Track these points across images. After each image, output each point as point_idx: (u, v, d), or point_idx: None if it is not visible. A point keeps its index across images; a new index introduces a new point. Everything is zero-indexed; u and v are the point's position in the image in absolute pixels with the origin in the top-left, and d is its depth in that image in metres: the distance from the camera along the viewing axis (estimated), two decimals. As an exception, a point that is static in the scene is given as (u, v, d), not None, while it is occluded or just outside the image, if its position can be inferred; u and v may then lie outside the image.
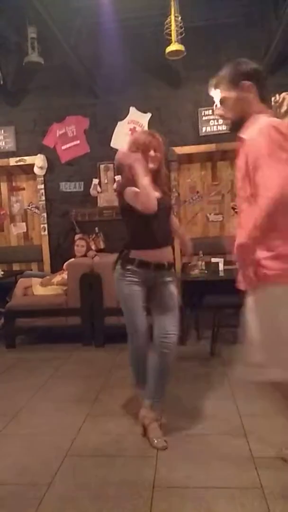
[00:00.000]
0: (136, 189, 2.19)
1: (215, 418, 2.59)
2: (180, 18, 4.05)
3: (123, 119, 5.40)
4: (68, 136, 5.55)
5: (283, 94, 5.35)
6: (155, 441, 2.29)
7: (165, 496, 1.88)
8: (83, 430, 2.54)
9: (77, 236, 5.22)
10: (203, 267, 4.43)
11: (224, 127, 5.20)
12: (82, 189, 5.56)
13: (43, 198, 5.65)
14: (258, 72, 1.78)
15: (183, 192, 5.62)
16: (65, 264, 4.81)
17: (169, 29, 4.08)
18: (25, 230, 6.08)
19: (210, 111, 5.18)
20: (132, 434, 2.44)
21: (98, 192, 5.52)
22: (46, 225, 5.69)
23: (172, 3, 3.98)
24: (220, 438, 2.35)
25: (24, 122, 5.60)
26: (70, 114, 5.51)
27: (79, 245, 4.97)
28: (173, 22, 4.03)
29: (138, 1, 4.42)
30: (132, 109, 5.38)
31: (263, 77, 1.79)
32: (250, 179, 1.64)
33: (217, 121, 5.21)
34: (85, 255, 4.89)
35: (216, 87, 1.82)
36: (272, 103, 5.39)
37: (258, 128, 1.63)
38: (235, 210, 4.88)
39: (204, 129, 5.26)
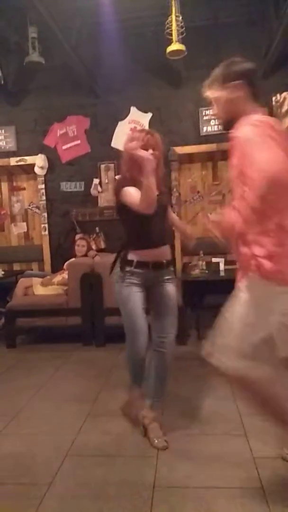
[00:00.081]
0: (134, 191, 2.19)
1: (215, 418, 2.59)
2: (180, 17, 4.05)
3: (123, 119, 5.40)
4: (69, 136, 5.55)
5: (284, 94, 5.39)
6: (156, 441, 2.29)
7: (165, 496, 1.88)
8: (84, 430, 2.54)
9: (77, 236, 5.22)
10: (204, 267, 4.44)
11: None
12: (82, 189, 5.57)
13: (44, 198, 5.65)
14: (250, 71, 1.78)
15: (183, 192, 5.62)
16: (65, 264, 4.81)
17: (169, 29, 4.08)
18: (25, 230, 6.08)
19: (211, 111, 5.16)
20: (132, 434, 2.44)
21: (98, 192, 5.52)
22: (46, 225, 5.69)
23: (173, 2, 3.98)
24: (220, 438, 2.35)
25: (25, 122, 5.60)
26: (71, 114, 5.52)
27: (80, 245, 4.97)
28: (174, 21, 4.03)
29: (138, 1, 4.42)
30: (133, 109, 5.38)
31: (256, 76, 1.79)
32: (244, 175, 1.65)
33: (217, 121, 5.21)
34: (85, 255, 4.90)
35: (209, 87, 1.84)
36: (273, 103, 5.45)
37: (248, 124, 1.64)
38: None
39: (204, 128, 5.26)
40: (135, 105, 5.37)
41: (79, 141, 5.54)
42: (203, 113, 5.24)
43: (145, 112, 5.37)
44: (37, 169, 5.55)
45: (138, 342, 2.32)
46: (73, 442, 2.40)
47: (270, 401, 1.70)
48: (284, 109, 5.15)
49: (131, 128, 5.32)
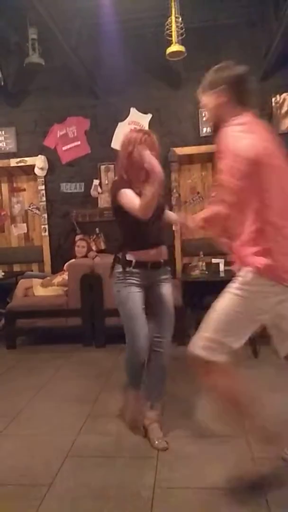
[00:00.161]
0: (132, 194, 2.19)
1: (215, 420, 2.58)
2: (180, 19, 4.05)
3: (123, 120, 5.40)
4: (69, 137, 5.55)
5: (284, 95, 5.40)
6: (156, 442, 2.29)
7: (165, 496, 1.88)
8: (84, 431, 2.54)
9: (77, 237, 5.22)
10: (204, 268, 4.44)
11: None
12: (82, 190, 5.57)
13: (44, 199, 5.65)
14: (237, 77, 1.79)
15: (183, 193, 5.62)
16: (65, 264, 4.81)
17: (169, 30, 4.09)
18: (25, 231, 6.08)
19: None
20: (132, 435, 2.44)
21: (98, 193, 5.52)
22: (46, 226, 5.69)
23: (173, 4, 3.99)
24: (220, 438, 2.34)
25: (25, 123, 5.60)
26: (71, 115, 5.52)
27: (80, 245, 4.98)
28: (174, 23, 4.03)
29: (138, 2, 4.42)
30: (133, 110, 5.39)
31: (244, 81, 1.80)
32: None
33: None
34: (85, 256, 4.90)
35: (201, 93, 1.89)
36: (273, 104, 5.47)
37: (229, 127, 1.71)
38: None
39: (204, 129, 5.25)
40: (135, 106, 5.37)
41: (79, 142, 5.55)
42: (203, 114, 5.23)
43: (145, 113, 5.37)
44: (37, 170, 5.55)
45: (139, 343, 2.32)
46: (73, 443, 2.40)
47: (229, 392, 1.76)
48: (283, 110, 5.16)
49: (131, 129, 5.33)
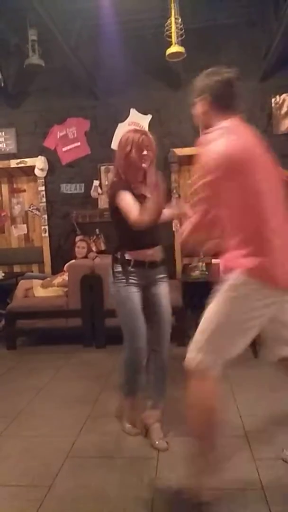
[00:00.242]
0: (131, 199, 2.19)
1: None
2: (180, 19, 4.05)
3: (123, 121, 5.40)
4: (69, 138, 5.56)
5: (283, 96, 5.40)
6: (157, 442, 2.29)
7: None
8: (84, 432, 2.54)
9: (77, 238, 5.23)
10: (204, 269, 4.44)
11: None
12: (82, 190, 5.57)
13: (44, 199, 5.65)
14: (221, 83, 1.78)
15: (183, 194, 5.62)
16: (65, 265, 4.81)
17: (169, 31, 4.09)
18: (25, 232, 6.08)
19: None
20: (132, 436, 2.43)
21: (98, 194, 5.53)
22: (47, 227, 5.69)
23: (172, 4, 3.99)
24: (221, 440, 2.34)
25: (25, 124, 5.61)
26: (71, 116, 5.52)
27: (80, 246, 4.98)
28: (173, 23, 4.03)
29: (138, 3, 4.43)
30: (133, 111, 5.39)
31: (229, 86, 1.79)
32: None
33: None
34: (85, 257, 4.90)
35: (192, 99, 1.90)
36: (273, 104, 5.47)
37: (208, 134, 1.71)
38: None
39: (204, 130, 5.26)
40: (135, 107, 5.37)
41: (79, 143, 5.55)
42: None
43: (145, 114, 5.37)
44: (37, 171, 5.56)
45: (139, 343, 2.32)
46: (73, 443, 2.40)
47: (206, 412, 1.71)
48: (283, 111, 5.16)
49: (128, 129, 5.33)
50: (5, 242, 6.11)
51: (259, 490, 1.88)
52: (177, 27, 4.04)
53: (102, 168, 5.48)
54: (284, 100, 5.13)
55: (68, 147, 5.56)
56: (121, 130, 5.29)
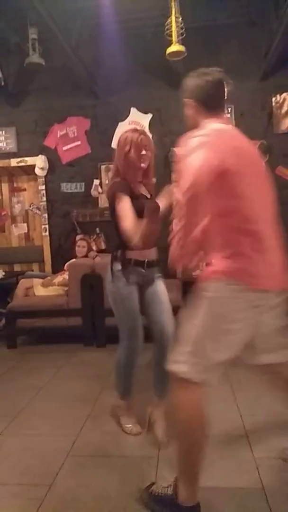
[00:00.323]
0: (130, 209, 2.20)
1: (216, 419, 2.55)
2: (180, 18, 4.05)
3: (124, 120, 5.40)
4: (69, 137, 5.55)
5: (284, 95, 5.40)
6: (160, 438, 2.30)
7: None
8: (84, 431, 2.54)
9: (78, 237, 5.23)
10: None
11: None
12: (83, 189, 5.57)
13: (44, 198, 5.65)
14: (212, 83, 1.78)
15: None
16: (66, 264, 4.81)
17: (169, 30, 4.09)
18: (26, 231, 6.09)
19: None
20: (132, 435, 2.44)
21: (99, 193, 5.53)
22: (47, 226, 5.69)
23: (173, 4, 3.99)
24: (221, 438, 2.34)
25: (25, 123, 5.61)
26: (71, 115, 5.52)
27: (80, 245, 4.98)
28: (174, 23, 4.03)
29: (138, 2, 4.42)
30: (133, 110, 5.38)
31: (214, 87, 1.79)
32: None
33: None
34: (86, 256, 4.90)
35: None
36: (273, 104, 5.47)
37: (190, 138, 1.69)
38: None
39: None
40: (135, 106, 5.37)
41: (79, 142, 5.55)
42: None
43: (145, 113, 5.37)
44: (37, 170, 5.56)
45: (137, 342, 2.36)
46: (74, 442, 2.40)
47: (193, 423, 1.65)
48: (284, 110, 5.16)
49: (126, 129, 5.33)
50: (5, 241, 6.12)
51: (260, 489, 1.88)
52: (177, 26, 4.04)
53: (103, 167, 5.48)
54: (284, 99, 5.12)
55: (69, 146, 5.56)
56: (122, 129, 5.28)
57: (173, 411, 1.71)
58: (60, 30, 4.10)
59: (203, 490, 1.88)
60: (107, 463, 2.18)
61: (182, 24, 4.07)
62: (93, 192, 5.52)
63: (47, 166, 5.55)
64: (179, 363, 1.64)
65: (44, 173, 5.57)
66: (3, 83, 5.16)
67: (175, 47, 4.08)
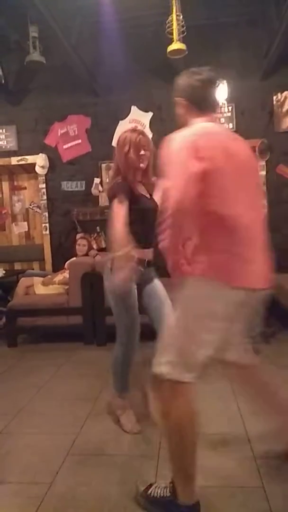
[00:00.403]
0: (124, 214, 2.22)
1: (216, 418, 2.59)
2: (181, 17, 4.05)
3: (124, 118, 5.40)
4: (70, 135, 5.55)
5: (285, 93, 5.39)
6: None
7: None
8: (85, 429, 2.54)
9: (78, 235, 5.22)
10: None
11: (225, 126, 5.20)
12: (83, 188, 5.57)
13: (45, 197, 5.65)
14: (202, 82, 1.77)
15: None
16: (66, 263, 4.81)
17: (170, 28, 4.08)
18: (26, 229, 6.09)
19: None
20: (133, 434, 2.44)
21: (99, 191, 5.52)
22: (47, 224, 5.69)
23: (174, 2, 3.98)
24: (221, 437, 2.35)
25: (26, 121, 5.60)
26: (72, 113, 5.51)
27: (81, 244, 4.98)
28: (175, 21, 4.03)
29: (139, 0, 4.42)
30: (134, 108, 5.38)
31: (202, 86, 1.77)
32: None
33: (218, 120, 5.21)
34: (86, 254, 4.90)
35: None
36: (274, 102, 5.46)
37: (178, 137, 1.66)
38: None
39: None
40: (136, 105, 5.36)
41: (80, 141, 5.54)
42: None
43: (146, 111, 5.36)
44: (38, 169, 5.55)
45: (135, 338, 2.41)
46: (74, 441, 2.40)
47: (183, 429, 1.64)
48: (284, 109, 5.15)
49: (131, 127, 5.32)
50: (5, 240, 6.12)
51: (260, 488, 1.88)
52: (178, 24, 4.03)
53: (103, 165, 5.48)
54: (285, 98, 5.11)
55: (69, 145, 5.56)
56: (122, 127, 5.29)
57: (161, 413, 1.71)
58: (60, 28, 4.10)
59: (203, 489, 1.89)
60: (107, 462, 2.18)
61: (183, 22, 4.07)
62: (94, 191, 5.52)
63: (47, 164, 5.54)
64: (162, 365, 1.65)
65: (45, 171, 5.57)
66: (3, 81, 5.15)
67: (176, 45, 4.07)
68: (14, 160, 5.65)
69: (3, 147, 5.67)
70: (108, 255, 2.53)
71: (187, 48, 4.13)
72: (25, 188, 6.07)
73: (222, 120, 5.21)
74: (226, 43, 5.01)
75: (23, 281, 4.78)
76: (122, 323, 2.42)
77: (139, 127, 5.23)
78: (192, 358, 1.61)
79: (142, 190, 2.43)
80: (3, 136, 5.67)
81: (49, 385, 3.30)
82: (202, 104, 1.77)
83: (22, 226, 6.09)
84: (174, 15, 4.02)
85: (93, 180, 5.51)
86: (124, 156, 2.36)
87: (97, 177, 5.51)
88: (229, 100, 5.18)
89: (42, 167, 5.53)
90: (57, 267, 5.30)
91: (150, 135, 4.97)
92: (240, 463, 2.09)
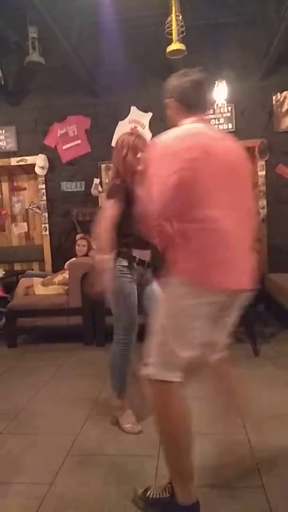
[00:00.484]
0: (111, 216, 2.28)
1: (217, 418, 2.58)
2: (181, 17, 4.05)
3: (124, 118, 5.40)
4: (69, 136, 5.55)
5: (284, 93, 5.40)
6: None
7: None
8: (85, 430, 2.54)
9: (78, 236, 5.22)
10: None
11: (225, 126, 5.21)
12: (83, 188, 5.57)
13: (44, 198, 5.65)
14: (191, 83, 1.77)
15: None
16: (66, 263, 4.81)
17: (170, 28, 4.08)
18: (26, 230, 6.09)
19: (211, 110, 5.18)
20: (133, 434, 2.44)
21: (99, 192, 5.52)
22: (47, 225, 5.69)
23: (173, 2, 3.98)
24: (221, 437, 2.34)
25: (25, 122, 5.60)
26: (71, 113, 5.52)
27: (80, 244, 4.98)
28: (174, 21, 4.03)
29: (138, 0, 4.42)
30: (133, 109, 5.38)
31: (191, 87, 1.77)
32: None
33: (218, 121, 5.22)
34: (86, 255, 4.90)
35: None
36: (273, 102, 5.46)
37: (165, 136, 1.67)
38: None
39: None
40: (136, 105, 5.37)
41: (79, 141, 5.54)
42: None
43: (146, 111, 5.37)
44: (37, 169, 5.56)
45: (133, 336, 2.44)
46: (74, 441, 2.40)
47: (175, 423, 1.65)
48: (284, 109, 5.15)
49: (131, 128, 5.33)
50: (5, 240, 6.12)
51: (261, 488, 1.88)
52: (177, 24, 4.03)
53: (103, 166, 5.49)
54: (285, 98, 5.12)
55: (69, 145, 5.56)
56: (122, 128, 5.30)
57: (154, 413, 1.72)
58: (60, 28, 4.10)
59: (203, 489, 1.88)
60: (107, 462, 2.18)
61: (183, 23, 4.07)
62: (93, 191, 5.52)
63: (47, 165, 5.55)
64: (149, 366, 1.66)
65: (44, 172, 5.57)
66: (3, 82, 5.16)
67: (175, 46, 4.07)
68: (13, 161, 5.66)
69: (3, 147, 5.68)
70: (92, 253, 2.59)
71: (187, 48, 4.13)
72: (24, 188, 6.07)
73: (222, 120, 5.22)
74: (225, 43, 5.01)
75: (23, 282, 4.78)
76: (122, 323, 2.45)
77: (139, 128, 5.25)
78: (173, 357, 1.61)
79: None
80: (2, 137, 5.68)
81: (49, 386, 3.30)
82: (191, 104, 1.77)
83: (22, 227, 6.09)
84: (173, 15, 4.02)
85: (92, 180, 5.51)
86: (122, 159, 2.42)
87: (97, 177, 5.51)
88: (229, 100, 5.18)
89: (42, 167, 5.53)
90: (57, 268, 5.30)
91: (149, 135, 4.98)
92: (240, 463, 2.09)
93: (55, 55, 4.82)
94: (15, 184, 6.09)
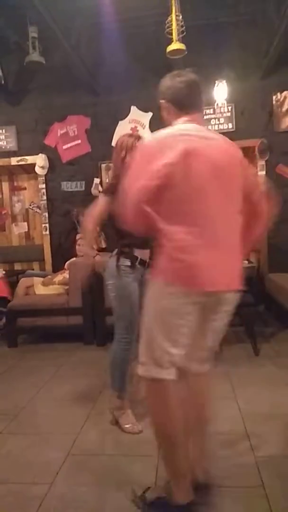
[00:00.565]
0: (100, 207, 2.48)
1: (217, 418, 2.57)
2: (181, 17, 4.04)
3: (124, 118, 5.40)
4: (69, 136, 5.55)
5: (284, 93, 5.39)
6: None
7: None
8: (85, 429, 2.54)
9: (78, 236, 5.21)
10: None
11: (225, 126, 5.21)
12: (83, 188, 5.57)
13: (45, 197, 5.65)
14: (184, 84, 1.78)
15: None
16: (66, 263, 4.81)
17: (170, 28, 4.07)
18: (26, 230, 6.09)
19: (211, 110, 5.18)
20: (133, 434, 2.44)
21: (99, 192, 5.52)
22: (47, 225, 5.69)
23: (173, 2, 3.97)
24: (222, 437, 2.34)
25: (25, 122, 5.60)
26: (71, 113, 5.51)
27: (81, 244, 4.97)
28: (174, 21, 4.02)
29: (138, 0, 4.41)
30: (133, 108, 5.38)
31: (185, 88, 1.78)
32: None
33: (218, 120, 5.22)
34: (86, 255, 4.90)
35: None
36: (273, 102, 5.46)
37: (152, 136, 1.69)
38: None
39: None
40: (136, 105, 5.36)
41: (79, 141, 5.54)
42: (204, 112, 5.24)
43: (146, 111, 5.36)
44: (37, 169, 5.55)
45: (134, 335, 2.41)
46: (74, 441, 2.40)
47: (169, 421, 1.64)
48: (284, 108, 5.15)
49: (131, 127, 5.33)
50: (5, 240, 6.12)
51: (261, 488, 1.88)
52: (178, 24, 4.02)
53: (103, 165, 5.48)
54: (285, 98, 5.11)
55: (69, 145, 5.56)
56: (122, 128, 5.30)
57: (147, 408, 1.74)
58: (60, 28, 4.10)
59: (203, 489, 1.88)
60: (107, 462, 2.18)
61: (183, 22, 4.06)
62: (94, 191, 5.51)
63: (47, 165, 5.54)
64: (141, 365, 1.67)
65: (45, 172, 5.57)
66: (3, 82, 5.15)
67: (175, 45, 4.07)
68: (14, 161, 5.65)
69: (3, 147, 5.67)
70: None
71: (187, 48, 4.12)
72: (25, 188, 6.07)
73: (222, 120, 5.22)
74: (225, 43, 5.00)
75: (23, 282, 4.78)
76: (123, 322, 2.46)
77: (139, 127, 5.25)
78: (164, 354, 1.62)
79: None
80: (2, 137, 5.67)
81: (49, 386, 3.30)
82: (184, 105, 1.77)
83: (22, 227, 6.09)
84: (173, 15, 4.01)
85: (92, 180, 5.51)
86: (121, 161, 2.45)
87: (97, 177, 5.50)
88: (229, 100, 5.18)
89: (42, 167, 5.53)
90: (57, 268, 5.30)
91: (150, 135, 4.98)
92: (240, 463, 2.09)
93: (55, 55, 4.82)
94: (15, 183, 6.09)
